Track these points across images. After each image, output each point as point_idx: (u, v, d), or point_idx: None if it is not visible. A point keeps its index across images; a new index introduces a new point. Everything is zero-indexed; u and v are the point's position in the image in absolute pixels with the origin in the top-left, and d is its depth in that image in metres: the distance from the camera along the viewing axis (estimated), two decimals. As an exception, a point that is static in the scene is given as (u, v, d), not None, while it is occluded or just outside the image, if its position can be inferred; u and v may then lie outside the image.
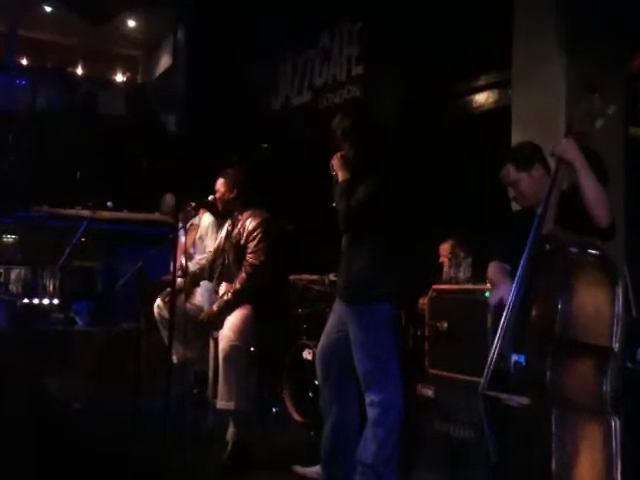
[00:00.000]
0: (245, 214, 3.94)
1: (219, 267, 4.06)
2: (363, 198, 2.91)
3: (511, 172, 2.70)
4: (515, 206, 2.94)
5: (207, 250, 4.70)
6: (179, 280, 4.49)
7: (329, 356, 3.13)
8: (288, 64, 7.29)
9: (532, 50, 4.05)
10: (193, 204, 4.51)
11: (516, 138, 3.92)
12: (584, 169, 2.38)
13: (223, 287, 3.99)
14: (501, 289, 2.51)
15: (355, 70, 6.21)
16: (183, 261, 4.55)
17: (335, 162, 3.10)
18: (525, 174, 2.68)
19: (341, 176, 3.06)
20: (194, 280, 4.54)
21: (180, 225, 4.22)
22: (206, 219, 4.80)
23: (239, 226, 3.93)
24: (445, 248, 4.61)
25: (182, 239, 4.85)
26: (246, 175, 4.08)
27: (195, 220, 4.82)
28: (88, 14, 7.17)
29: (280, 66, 7.42)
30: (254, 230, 3.84)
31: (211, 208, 4.44)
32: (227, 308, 3.79)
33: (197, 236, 4.81)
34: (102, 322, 6.66)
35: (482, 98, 4.99)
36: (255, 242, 3.82)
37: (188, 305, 4.15)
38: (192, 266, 4.74)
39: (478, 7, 4.67)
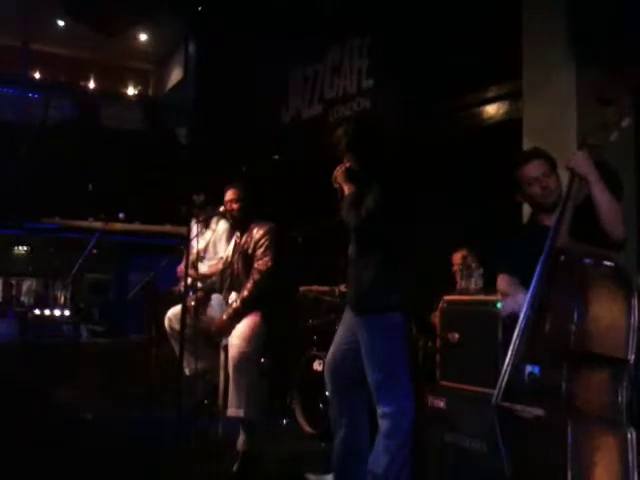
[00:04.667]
0: (252, 225, 3.97)
1: (228, 278, 4.07)
2: (373, 207, 2.92)
3: (543, 165, 2.66)
4: (525, 217, 2.94)
5: (218, 256, 4.72)
6: (190, 294, 4.52)
7: (338, 367, 3.12)
8: (299, 77, 7.33)
9: (542, 61, 4.06)
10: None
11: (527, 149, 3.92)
12: (598, 184, 2.36)
13: (233, 296, 4.01)
14: (514, 300, 2.50)
15: (365, 83, 6.24)
16: (193, 260, 4.58)
17: (339, 175, 3.11)
18: (553, 172, 2.67)
19: (347, 189, 3.07)
20: (207, 291, 4.56)
21: (194, 231, 4.25)
22: (222, 224, 4.82)
23: (246, 236, 3.96)
24: (457, 257, 4.60)
25: (195, 244, 4.88)
26: (256, 187, 4.11)
27: (212, 225, 4.85)
28: (99, 27, 7.24)
29: (291, 79, 7.46)
30: (261, 238, 3.87)
31: (226, 217, 4.46)
32: (236, 316, 3.80)
33: (212, 240, 4.83)
34: (113, 333, 6.70)
35: (492, 110, 5.00)
36: (262, 249, 3.84)
37: (201, 317, 4.16)
38: (202, 267, 4.77)
39: (488, 18, 4.69)
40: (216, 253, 4.79)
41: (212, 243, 4.85)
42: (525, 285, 2.41)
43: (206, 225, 4.66)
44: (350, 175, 3.09)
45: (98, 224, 5.98)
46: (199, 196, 4.88)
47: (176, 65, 11.68)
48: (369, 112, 5.98)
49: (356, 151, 3.07)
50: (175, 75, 11.79)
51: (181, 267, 4.54)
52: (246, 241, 3.93)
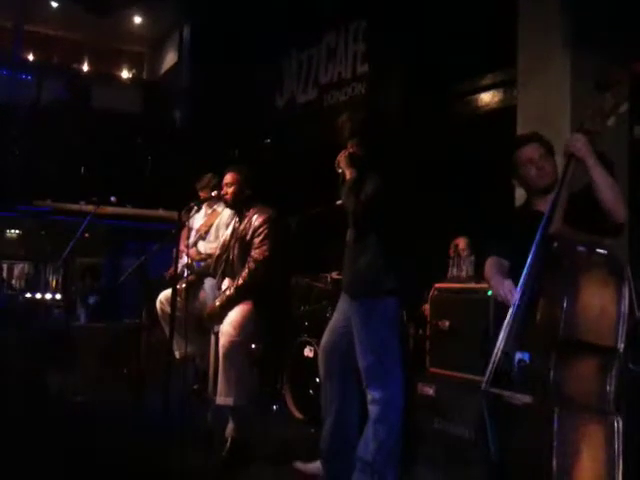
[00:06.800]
0: (252, 210, 3.93)
1: (223, 263, 4.04)
2: (372, 193, 2.91)
3: (539, 148, 2.64)
4: (518, 203, 2.92)
5: (218, 240, 4.68)
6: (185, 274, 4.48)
7: (332, 353, 3.13)
8: (293, 61, 7.28)
9: (537, 48, 4.03)
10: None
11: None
12: (597, 166, 2.34)
13: (226, 282, 3.99)
14: (497, 287, 2.48)
15: (360, 68, 6.20)
16: (193, 240, 4.55)
17: (342, 160, 3.10)
18: (549, 155, 2.64)
19: (349, 174, 3.07)
20: (200, 274, 4.53)
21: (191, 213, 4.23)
22: (228, 210, 4.78)
23: (245, 222, 3.92)
24: (459, 241, 4.51)
25: (197, 223, 4.84)
26: (253, 170, 4.08)
27: (218, 208, 4.82)
28: (93, 7, 7.16)
29: (285, 63, 7.41)
30: (260, 226, 3.83)
31: (220, 201, 4.43)
32: (229, 303, 3.78)
33: (216, 222, 4.80)
34: (104, 317, 6.67)
35: (487, 97, 4.98)
36: (260, 238, 3.81)
37: (193, 301, 4.14)
38: (203, 248, 4.73)
39: (483, 5, 4.65)
40: (217, 237, 4.76)
41: (215, 227, 4.81)
42: (517, 271, 2.40)
43: (198, 208, 4.63)
44: (353, 160, 3.08)
45: (90, 207, 5.93)
46: (213, 177, 4.85)
47: (171, 48, 11.58)
48: (366, 98, 5.95)
49: (362, 136, 3.07)
50: (170, 58, 11.69)
51: (182, 246, 4.49)
52: (245, 227, 3.90)
